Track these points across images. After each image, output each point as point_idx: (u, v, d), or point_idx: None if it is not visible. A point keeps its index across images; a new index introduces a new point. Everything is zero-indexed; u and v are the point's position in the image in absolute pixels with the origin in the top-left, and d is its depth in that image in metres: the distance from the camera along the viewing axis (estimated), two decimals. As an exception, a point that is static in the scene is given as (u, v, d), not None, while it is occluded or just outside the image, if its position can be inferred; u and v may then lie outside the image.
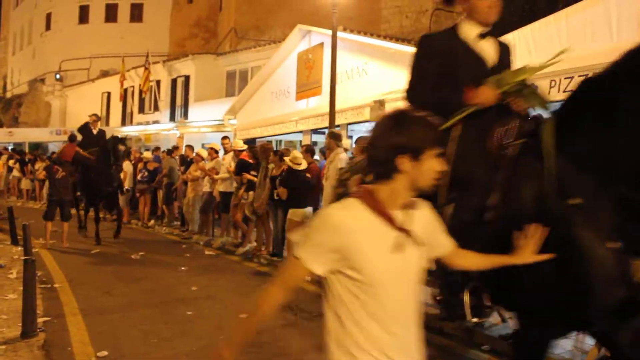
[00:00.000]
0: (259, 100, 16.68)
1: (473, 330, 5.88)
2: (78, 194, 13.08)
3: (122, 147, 11.87)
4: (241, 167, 10.90)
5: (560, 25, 7.81)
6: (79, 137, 13.25)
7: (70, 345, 5.44)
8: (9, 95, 42.34)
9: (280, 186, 9.03)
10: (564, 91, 7.41)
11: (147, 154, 16.24)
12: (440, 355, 5.45)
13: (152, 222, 15.04)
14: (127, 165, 14.85)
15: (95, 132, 13.05)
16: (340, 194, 4.53)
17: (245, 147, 11.84)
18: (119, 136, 12.43)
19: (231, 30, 26.76)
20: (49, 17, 38.12)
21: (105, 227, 12.67)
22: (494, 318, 6.15)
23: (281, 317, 6.53)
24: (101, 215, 15.05)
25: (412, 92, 3.75)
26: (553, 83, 7.58)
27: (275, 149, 10.55)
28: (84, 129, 13.16)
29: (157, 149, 17.65)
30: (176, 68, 24.83)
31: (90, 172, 11.93)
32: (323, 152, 11.64)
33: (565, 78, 7.37)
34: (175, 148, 16.19)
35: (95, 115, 13.75)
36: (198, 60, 23.71)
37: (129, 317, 6.45)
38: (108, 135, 13.46)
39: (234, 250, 10.94)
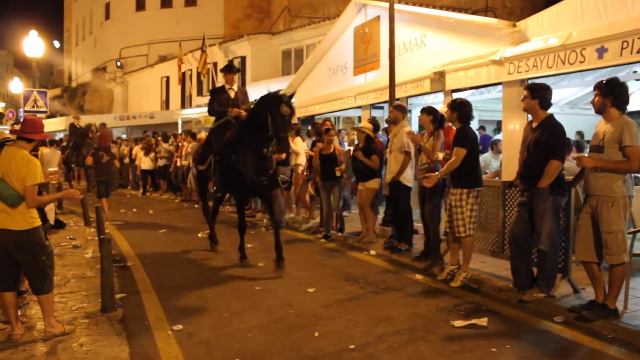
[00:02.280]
0: (316, 77, 16.63)
1: (545, 302, 5.76)
2: (214, 189, 9.21)
3: (286, 110, 7.27)
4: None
5: (632, -18, 7.38)
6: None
7: (146, 320, 5.64)
8: (73, 84, 43.86)
9: (364, 157, 8.99)
10: (638, 52, 7.02)
11: (204, 135, 16.42)
12: (511, 326, 5.35)
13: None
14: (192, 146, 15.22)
15: (232, 94, 8.63)
16: None
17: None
18: (281, 92, 7.69)
19: (285, 9, 26.72)
20: (107, 6, 39.11)
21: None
22: (566, 289, 6.01)
23: (349, 291, 6.58)
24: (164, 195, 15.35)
25: None
26: (625, 44, 7.19)
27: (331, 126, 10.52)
28: (216, 93, 8.82)
29: None
30: (232, 49, 25.05)
31: (232, 156, 7.88)
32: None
33: (639, 38, 6.97)
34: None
35: (228, 67, 8.99)
36: (253, 40, 23.85)
37: (200, 293, 6.61)
38: None
39: (297, 227, 11.04)
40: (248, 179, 7.76)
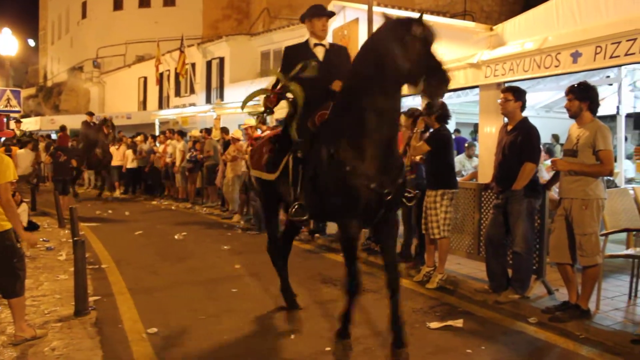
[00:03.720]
0: (295, 79, 16.60)
1: (519, 303, 5.81)
2: (294, 209, 4.84)
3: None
4: None
5: (606, -11, 7.50)
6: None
7: (121, 323, 5.56)
8: (49, 84, 43.19)
9: None
10: (611, 57, 7.12)
11: (195, 132, 16.25)
12: (486, 327, 5.39)
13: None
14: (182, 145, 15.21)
15: (321, 54, 5.45)
16: None
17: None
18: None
19: (264, 10, 26.68)
20: (84, 5, 38.61)
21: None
22: (541, 290, 6.08)
23: (325, 293, 6.57)
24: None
25: None
26: (599, 49, 7.28)
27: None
28: (292, 54, 5.64)
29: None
30: (210, 50, 24.87)
31: (332, 150, 4.52)
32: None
33: (612, 43, 7.06)
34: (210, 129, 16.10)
35: (318, 8, 5.54)
36: (232, 41, 23.70)
37: (176, 295, 6.55)
38: None
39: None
40: (365, 190, 4.33)
